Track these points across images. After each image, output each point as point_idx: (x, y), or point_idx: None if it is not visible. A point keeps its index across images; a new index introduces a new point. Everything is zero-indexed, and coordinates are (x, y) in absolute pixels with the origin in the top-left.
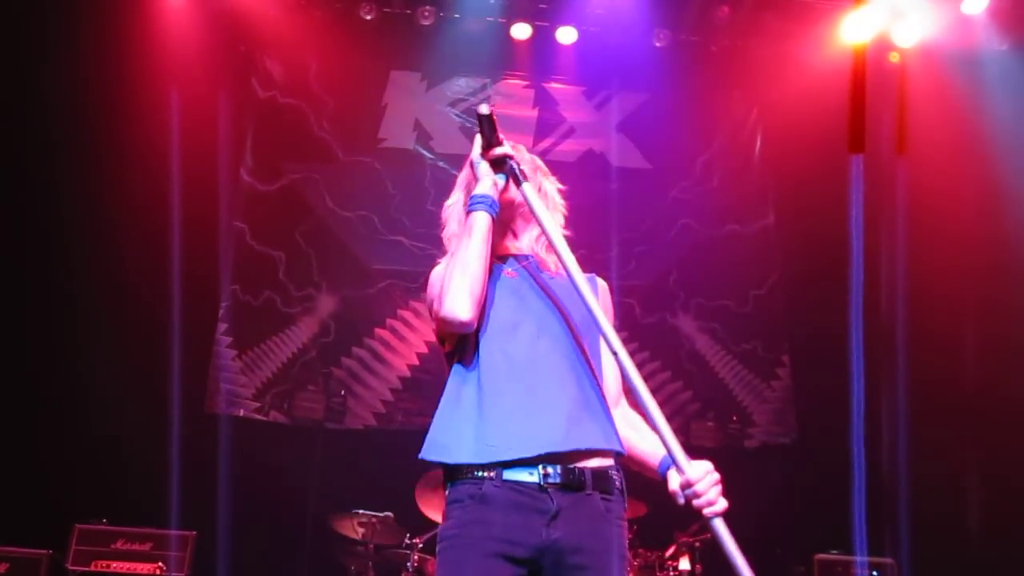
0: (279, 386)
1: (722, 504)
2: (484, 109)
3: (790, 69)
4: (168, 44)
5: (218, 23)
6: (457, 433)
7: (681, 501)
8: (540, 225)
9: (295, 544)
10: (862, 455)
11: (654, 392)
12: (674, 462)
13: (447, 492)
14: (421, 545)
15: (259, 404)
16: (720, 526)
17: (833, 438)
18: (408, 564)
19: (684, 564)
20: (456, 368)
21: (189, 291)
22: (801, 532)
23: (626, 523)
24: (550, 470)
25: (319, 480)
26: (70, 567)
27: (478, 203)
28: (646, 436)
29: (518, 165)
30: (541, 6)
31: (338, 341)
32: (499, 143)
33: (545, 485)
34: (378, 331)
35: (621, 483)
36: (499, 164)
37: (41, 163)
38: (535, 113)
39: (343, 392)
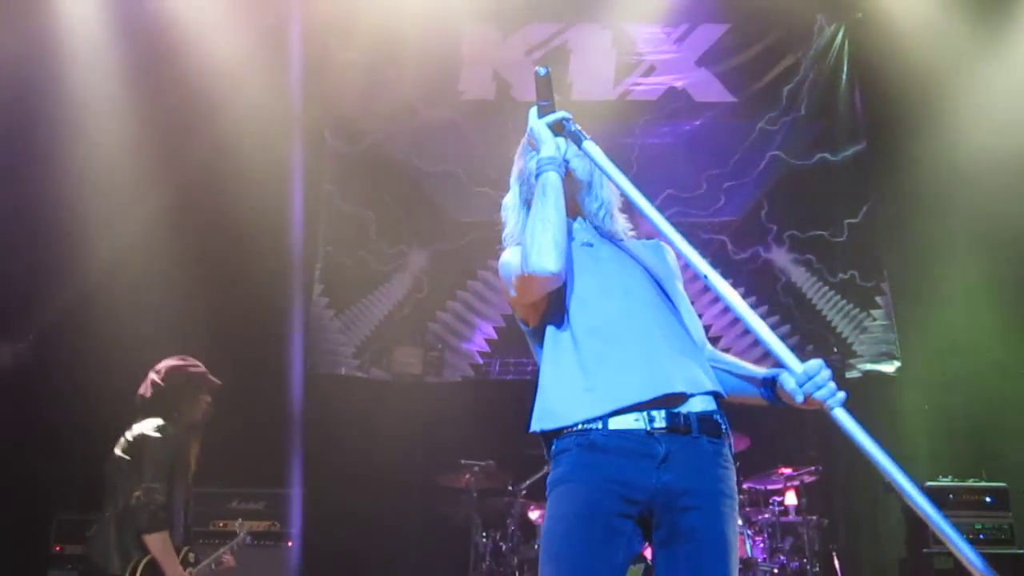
0: (377, 343)
1: (842, 394)
2: (542, 70)
3: None
4: (244, 10)
5: None
6: (563, 396)
7: (800, 399)
8: (609, 177)
9: (402, 497)
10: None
11: None
12: (784, 366)
13: (552, 449)
14: (524, 491)
15: (359, 362)
16: (844, 416)
17: (936, 365)
18: (511, 510)
19: (790, 498)
20: (548, 336)
21: (280, 255)
22: (909, 460)
23: (733, 466)
24: (656, 415)
25: (422, 433)
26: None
27: (547, 165)
28: (739, 365)
29: (576, 125)
30: None
31: (432, 296)
32: (553, 107)
33: (652, 430)
34: (470, 283)
35: (726, 427)
36: (557, 127)
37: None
38: (613, 54)
39: (440, 346)
